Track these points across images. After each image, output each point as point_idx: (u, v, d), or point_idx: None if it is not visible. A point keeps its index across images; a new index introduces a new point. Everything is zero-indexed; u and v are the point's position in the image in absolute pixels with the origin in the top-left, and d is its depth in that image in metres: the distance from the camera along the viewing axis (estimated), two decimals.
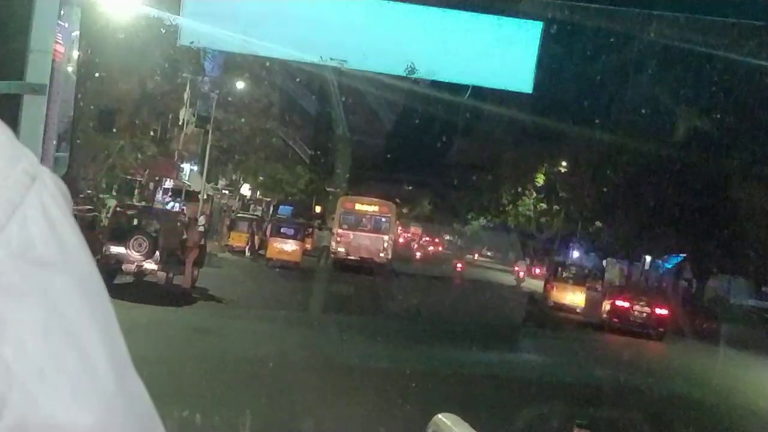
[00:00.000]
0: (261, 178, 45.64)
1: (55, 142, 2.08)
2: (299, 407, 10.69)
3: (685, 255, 45.87)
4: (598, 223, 51.97)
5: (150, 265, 19.80)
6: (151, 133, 34.24)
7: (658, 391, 15.71)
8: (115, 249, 19.32)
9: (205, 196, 36.50)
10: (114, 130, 29.70)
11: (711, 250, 41.61)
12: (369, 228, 34.88)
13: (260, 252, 34.31)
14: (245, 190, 48.99)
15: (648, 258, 49.78)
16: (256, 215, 39.20)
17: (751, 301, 41.96)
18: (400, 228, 57.62)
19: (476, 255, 70.42)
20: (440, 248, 75.56)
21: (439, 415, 2.63)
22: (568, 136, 50.73)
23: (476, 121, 70.89)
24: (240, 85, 41.10)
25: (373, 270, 33.14)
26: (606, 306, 28.93)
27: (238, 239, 33.84)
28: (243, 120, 41.09)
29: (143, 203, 30.93)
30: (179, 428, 7.90)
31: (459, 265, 53.16)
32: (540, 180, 55.61)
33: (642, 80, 47.56)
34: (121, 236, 19.70)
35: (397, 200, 51.25)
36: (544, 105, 49.96)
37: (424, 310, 25.04)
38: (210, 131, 36.42)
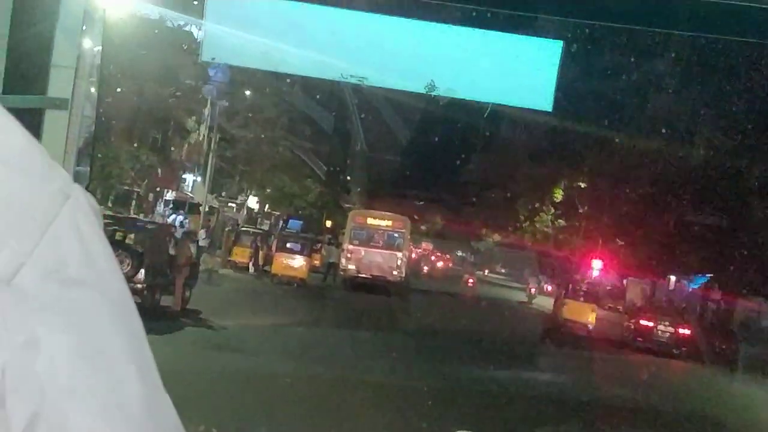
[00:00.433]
0: (268, 190, 43.00)
1: (75, 157, 1.98)
2: None
3: (711, 275, 42.95)
4: (618, 241, 49.24)
5: (133, 286, 17.04)
6: (150, 141, 31.62)
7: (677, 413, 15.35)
8: None
9: (207, 209, 33.85)
10: (111, 138, 27.24)
11: (741, 270, 38.92)
12: (382, 244, 32.06)
13: (265, 268, 31.65)
14: (252, 203, 46.36)
15: (672, 278, 46.79)
16: (262, 229, 36.32)
17: None
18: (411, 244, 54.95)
19: (486, 271, 68.54)
20: (450, 264, 72.75)
21: None
22: (588, 152, 49.06)
23: (494, 138, 69.82)
24: (247, 93, 38.60)
25: (386, 289, 30.39)
26: (628, 325, 28.97)
27: (242, 255, 31.15)
28: (249, 130, 38.61)
29: (129, 215, 28.18)
30: None
31: (471, 281, 51.09)
32: (558, 196, 52.79)
33: (662, 98, 46.06)
34: None
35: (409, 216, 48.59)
36: (564, 122, 49.01)
37: (430, 326, 24.14)
38: (214, 140, 33.80)
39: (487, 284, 54.47)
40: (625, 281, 52.36)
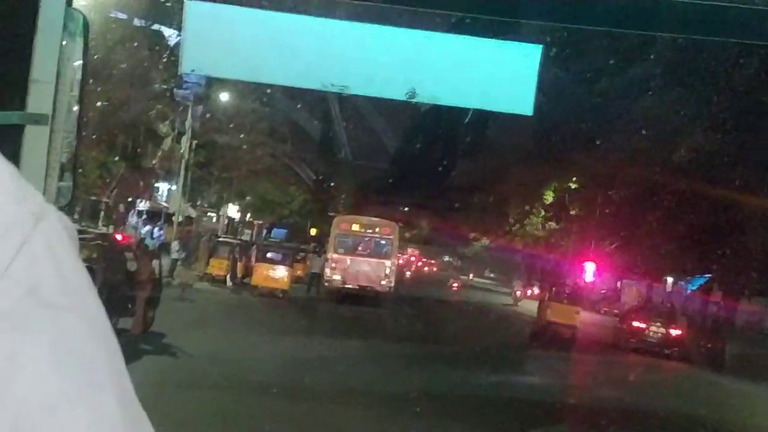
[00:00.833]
0: (248, 198, 40.44)
1: (58, 173, 1.88)
2: None
3: (711, 276, 40.78)
4: (611, 243, 47.06)
5: None
6: (120, 148, 29.06)
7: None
8: None
9: (181, 219, 31.24)
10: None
11: (742, 270, 36.83)
12: (368, 252, 29.50)
13: (246, 281, 29.15)
14: (233, 211, 43.77)
15: (670, 279, 44.56)
16: (242, 240, 33.62)
17: None
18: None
19: (471, 275, 67.78)
20: (435, 269, 72.39)
21: None
22: (572, 155, 47.33)
23: (478, 143, 68.98)
24: (225, 97, 36.08)
25: (374, 300, 27.91)
26: (619, 326, 28.95)
27: (219, 267, 28.61)
28: (227, 135, 36.11)
29: (89, 228, 25.58)
30: None
31: (455, 285, 49.74)
32: (549, 197, 50.54)
33: (643, 99, 45.05)
34: None
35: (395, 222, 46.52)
36: (546, 126, 48.56)
37: (416, 332, 23.64)
38: (189, 146, 31.26)
39: (472, 289, 52.50)
40: (619, 284, 50.29)
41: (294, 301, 26.84)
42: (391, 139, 60.76)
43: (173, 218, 30.90)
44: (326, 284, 28.96)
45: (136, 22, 28.53)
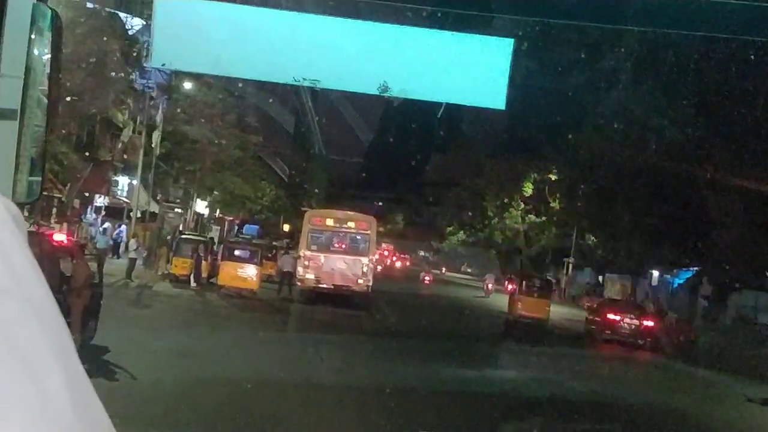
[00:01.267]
0: (216, 192, 37.71)
1: (28, 168, 1.82)
2: None
3: (698, 269, 38.76)
4: (591, 237, 45.01)
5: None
6: (74, 140, 26.32)
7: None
8: None
9: (138, 214, 28.47)
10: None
11: (732, 262, 34.86)
12: (344, 248, 26.87)
13: (212, 281, 26.52)
14: (201, 207, 41.01)
15: (655, 273, 42.51)
16: (207, 237, 30.78)
17: None
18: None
19: (444, 269, 66.19)
20: (408, 263, 70.17)
21: None
22: (546, 148, 45.70)
23: (452, 137, 67.95)
24: (190, 86, 33.37)
25: (350, 301, 25.36)
26: (592, 318, 28.69)
27: (182, 266, 25.88)
28: (193, 126, 33.43)
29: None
30: None
31: (427, 278, 49.08)
32: (528, 190, 48.35)
33: (614, 92, 44.76)
34: None
35: None
36: (518, 119, 47.84)
37: (389, 327, 23.03)
38: (146, 137, 28.53)
39: (444, 283, 50.35)
40: (600, 278, 48.24)
41: (263, 304, 24.20)
42: (366, 133, 59.13)
43: (144, 214, 28.13)
44: (299, 284, 26.32)
45: (107, 21, 27.29)
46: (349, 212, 29.11)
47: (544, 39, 43.95)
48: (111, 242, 28.19)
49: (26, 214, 24.82)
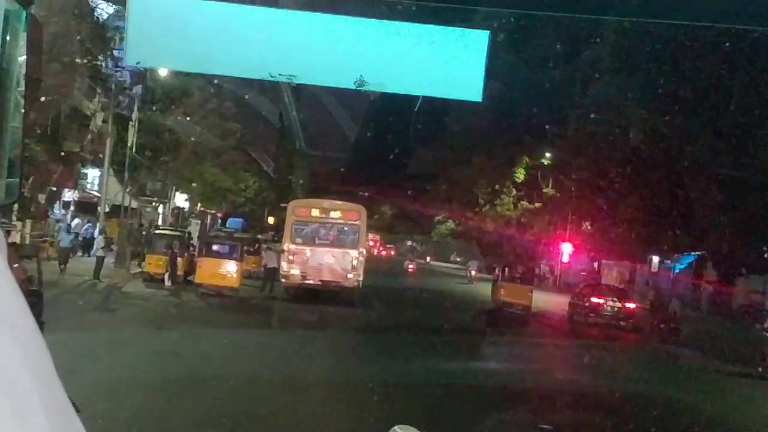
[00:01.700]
0: (194, 184, 35.28)
1: (6, 170, 1.76)
2: None
3: (701, 253, 36.69)
4: (587, 224, 42.96)
5: None
6: (38, 130, 23.95)
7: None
8: None
9: (107, 209, 26.03)
10: None
11: (738, 246, 32.86)
12: (331, 241, 24.56)
13: (190, 279, 24.18)
14: (181, 200, 38.55)
15: (655, 259, 40.44)
16: (183, 231, 28.26)
17: None
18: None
19: (429, 258, 67.17)
20: (393, 253, 71.77)
21: (396, 428, 2.11)
22: (525, 139, 43.84)
23: (433, 129, 66.40)
24: (164, 73, 30.93)
25: (339, 297, 23.08)
26: (575, 302, 28.65)
27: (156, 263, 23.54)
28: (169, 116, 31.04)
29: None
30: None
31: (411, 267, 49.52)
32: (520, 175, 46.20)
33: (593, 83, 43.46)
34: None
35: None
36: (496, 111, 46.40)
37: (371, 320, 22.14)
38: (116, 123, 26.08)
39: (428, 273, 48.89)
40: (596, 264, 46.19)
41: (244, 303, 21.87)
42: (345, 127, 57.48)
43: (98, 208, 25.67)
44: (283, 280, 24.00)
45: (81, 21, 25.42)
46: (336, 201, 26.74)
47: (520, 30, 42.41)
48: (80, 240, 25.79)
49: None
